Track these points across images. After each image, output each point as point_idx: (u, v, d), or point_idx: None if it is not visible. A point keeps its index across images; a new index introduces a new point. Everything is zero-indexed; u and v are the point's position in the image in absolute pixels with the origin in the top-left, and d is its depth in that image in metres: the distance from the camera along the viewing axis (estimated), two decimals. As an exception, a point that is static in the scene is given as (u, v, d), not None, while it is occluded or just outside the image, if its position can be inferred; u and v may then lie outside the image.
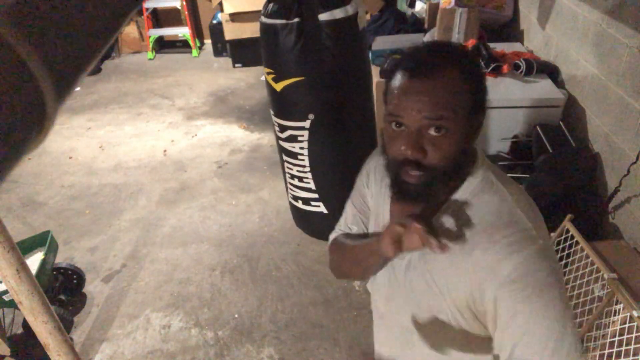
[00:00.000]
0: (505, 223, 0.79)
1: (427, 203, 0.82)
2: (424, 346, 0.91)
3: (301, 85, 2.10)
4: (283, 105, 2.24)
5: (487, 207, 0.81)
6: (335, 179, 2.37)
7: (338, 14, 1.88)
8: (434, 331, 0.88)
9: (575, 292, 1.85)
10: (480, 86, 0.79)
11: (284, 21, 1.96)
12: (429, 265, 0.84)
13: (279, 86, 2.17)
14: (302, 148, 2.30)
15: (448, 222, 0.82)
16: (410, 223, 0.74)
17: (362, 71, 2.21)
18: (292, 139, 2.30)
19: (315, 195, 2.45)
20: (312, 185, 2.42)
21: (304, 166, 2.36)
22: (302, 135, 2.25)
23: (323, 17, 1.89)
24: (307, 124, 2.20)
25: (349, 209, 1.08)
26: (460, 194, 0.84)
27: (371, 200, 1.02)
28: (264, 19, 2.05)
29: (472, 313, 0.82)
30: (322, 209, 2.49)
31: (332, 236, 1.10)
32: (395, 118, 0.78)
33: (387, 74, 0.81)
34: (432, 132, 0.76)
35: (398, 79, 0.78)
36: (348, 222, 1.07)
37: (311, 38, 1.94)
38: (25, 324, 2.15)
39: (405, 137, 0.77)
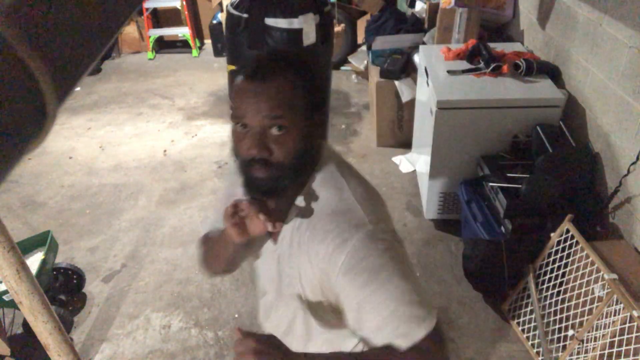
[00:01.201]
0: (339, 213, 0.86)
1: (278, 197, 0.90)
2: (300, 329, 1.00)
3: None
4: None
5: (327, 200, 0.89)
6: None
7: (281, 23, 1.84)
8: (306, 317, 0.97)
9: (575, 292, 1.85)
10: (314, 87, 0.88)
11: (237, 13, 1.94)
12: (293, 256, 0.92)
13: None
14: None
15: (297, 213, 0.91)
16: (246, 207, 0.86)
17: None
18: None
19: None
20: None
21: None
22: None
23: (268, 21, 1.86)
24: None
25: (215, 209, 1.14)
26: (307, 188, 0.91)
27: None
28: (229, 8, 2.05)
29: (327, 298, 0.90)
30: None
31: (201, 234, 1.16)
32: (239, 120, 0.85)
33: (231, 78, 0.89)
34: (274, 131, 0.83)
35: (239, 84, 0.85)
36: (214, 221, 1.12)
37: (256, 36, 1.92)
38: (25, 324, 2.15)
39: (251, 137, 0.83)
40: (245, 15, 1.85)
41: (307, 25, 1.79)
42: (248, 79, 0.84)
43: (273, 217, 0.85)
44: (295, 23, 1.79)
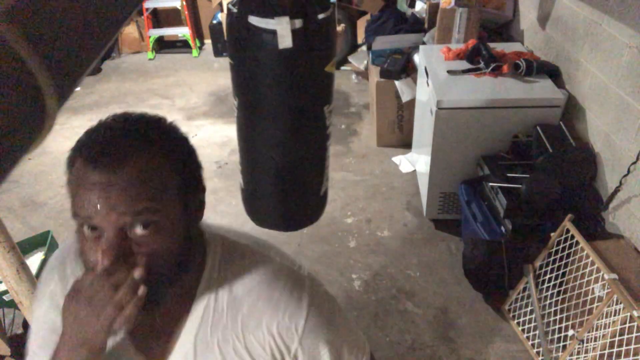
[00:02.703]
0: (270, 277, 0.75)
1: (158, 307, 0.68)
2: None
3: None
4: None
5: (247, 274, 0.75)
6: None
7: (261, 22, 1.83)
8: None
9: (575, 292, 1.85)
10: (188, 161, 0.71)
11: (232, 8, 1.94)
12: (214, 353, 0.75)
13: None
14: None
15: (219, 305, 0.74)
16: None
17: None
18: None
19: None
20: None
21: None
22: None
23: (251, 19, 1.86)
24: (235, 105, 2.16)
25: (32, 336, 0.82)
26: (208, 275, 0.74)
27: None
28: (229, 5, 2.05)
29: None
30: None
31: None
32: (84, 220, 0.62)
33: (68, 162, 0.67)
34: (138, 230, 0.62)
35: (80, 172, 0.63)
36: (36, 348, 0.81)
37: (239, 33, 1.91)
38: (25, 324, 2.15)
39: (104, 243, 0.61)
40: (235, 10, 1.86)
41: (281, 27, 1.79)
42: (91, 167, 0.61)
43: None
44: (270, 24, 1.80)
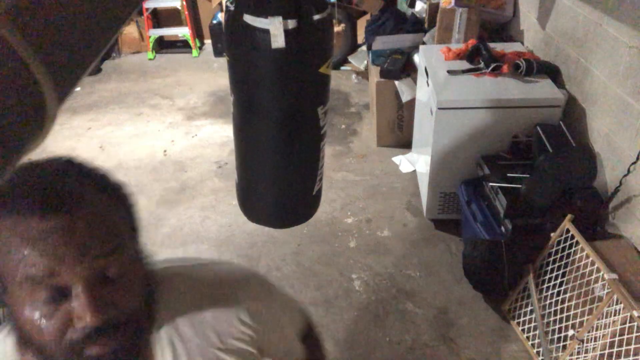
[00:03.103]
0: (215, 285, 0.75)
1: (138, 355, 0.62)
2: None
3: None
4: None
5: (193, 290, 0.73)
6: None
7: (256, 22, 1.83)
8: None
9: (575, 292, 1.85)
10: (127, 203, 0.66)
11: (229, 5, 1.94)
12: None
13: None
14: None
15: (184, 332, 0.69)
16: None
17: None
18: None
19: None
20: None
21: None
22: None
23: (246, 17, 1.86)
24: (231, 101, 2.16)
25: None
26: (161, 310, 0.69)
27: None
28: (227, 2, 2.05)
29: None
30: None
31: None
32: (44, 281, 0.51)
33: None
34: (111, 272, 0.56)
35: (17, 226, 0.52)
36: None
37: (234, 28, 1.91)
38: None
39: (77, 301, 0.52)
40: (232, 8, 1.86)
41: (273, 27, 1.79)
42: (36, 217, 0.51)
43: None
44: (263, 23, 1.80)
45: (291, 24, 1.77)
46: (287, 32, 1.76)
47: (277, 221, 1.98)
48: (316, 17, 1.86)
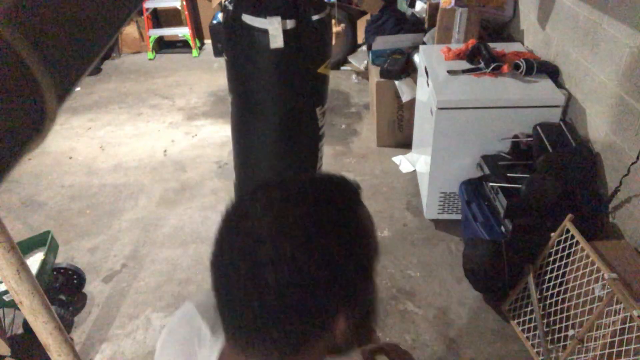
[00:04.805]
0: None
1: None
2: None
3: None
4: None
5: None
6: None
7: (255, 22, 1.82)
8: None
9: (575, 292, 1.85)
10: None
11: (228, 5, 1.93)
12: None
13: None
14: None
15: None
16: None
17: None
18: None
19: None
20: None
21: None
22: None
23: (245, 17, 1.85)
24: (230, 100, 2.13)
25: None
26: None
27: None
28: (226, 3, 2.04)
29: None
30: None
31: None
32: None
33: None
34: None
35: None
36: None
37: (232, 28, 1.89)
38: (26, 324, 2.15)
39: None
40: (230, 8, 1.85)
41: (272, 27, 1.78)
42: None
43: None
44: (262, 23, 1.79)
45: (290, 24, 1.77)
46: (286, 32, 1.76)
47: None
48: (315, 17, 1.85)
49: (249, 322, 0.53)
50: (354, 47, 4.73)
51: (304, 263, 0.49)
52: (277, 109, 1.94)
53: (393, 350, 0.76)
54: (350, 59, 4.58)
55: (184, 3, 5.34)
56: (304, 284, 0.49)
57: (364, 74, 4.44)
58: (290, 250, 0.48)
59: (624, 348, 1.60)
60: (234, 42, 1.91)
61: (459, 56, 2.68)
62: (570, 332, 1.86)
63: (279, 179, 0.54)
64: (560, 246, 1.93)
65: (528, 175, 2.09)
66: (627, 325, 1.59)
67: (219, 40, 5.27)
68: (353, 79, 4.60)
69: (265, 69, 1.87)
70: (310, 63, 1.92)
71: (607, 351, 1.65)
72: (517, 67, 2.45)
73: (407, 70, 3.25)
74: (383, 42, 3.46)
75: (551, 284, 1.97)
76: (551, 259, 1.97)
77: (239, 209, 0.54)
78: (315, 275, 0.49)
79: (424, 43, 3.31)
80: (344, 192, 0.56)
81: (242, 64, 1.93)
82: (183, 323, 0.73)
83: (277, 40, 1.79)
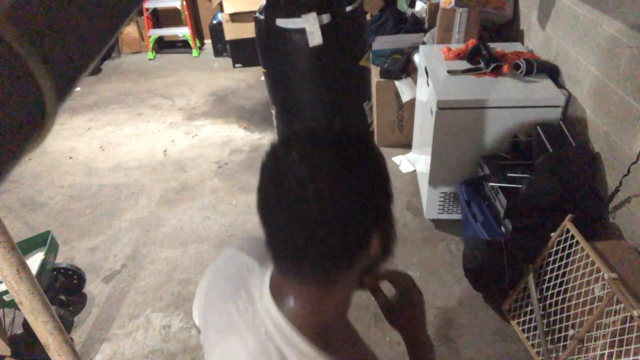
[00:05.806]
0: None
1: None
2: None
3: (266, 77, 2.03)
4: None
5: None
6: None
7: (289, 23, 1.76)
8: None
9: (575, 292, 1.85)
10: None
11: (259, 16, 1.88)
12: None
13: None
14: None
15: None
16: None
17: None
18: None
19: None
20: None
21: None
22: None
23: (279, 22, 1.80)
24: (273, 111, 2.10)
25: None
26: None
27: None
28: (257, 14, 2.01)
29: None
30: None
31: None
32: None
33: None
34: None
35: None
36: None
37: (267, 37, 1.86)
38: (26, 324, 2.15)
39: None
40: (262, 17, 1.81)
41: (309, 25, 1.73)
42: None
43: None
44: (298, 23, 1.74)
45: (325, 18, 1.71)
46: (323, 28, 1.70)
47: None
48: (349, 8, 1.79)
49: (300, 253, 0.61)
50: (354, 47, 4.72)
51: (342, 197, 0.57)
52: (324, 111, 1.89)
53: (395, 276, 0.87)
54: (350, 59, 4.57)
55: (184, 3, 5.35)
56: (344, 214, 0.58)
57: (364, 74, 4.44)
58: (329, 188, 0.57)
59: (624, 348, 1.60)
60: (271, 51, 1.85)
61: (459, 56, 2.68)
62: (570, 332, 1.86)
63: (305, 129, 0.63)
64: (560, 246, 1.93)
65: (528, 175, 2.09)
66: (627, 325, 1.59)
67: (219, 40, 5.27)
68: (353, 79, 4.59)
69: (307, 70, 1.81)
70: (351, 57, 1.87)
71: (607, 351, 1.65)
72: (517, 67, 2.45)
73: (407, 70, 3.25)
74: (383, 42, 3.46)
75: (551, 284, 1.97)
76: (551, 259, 1.97)
77: (277, 159, 0.61)
78: (352, 206, 0.58)
79: (424, 43, 3.31)
80: (361, 136, 0.65)
81: (283, 72, 1.87)
82: (228, 261, 0.81)
83: (315, 37, 1.74)
